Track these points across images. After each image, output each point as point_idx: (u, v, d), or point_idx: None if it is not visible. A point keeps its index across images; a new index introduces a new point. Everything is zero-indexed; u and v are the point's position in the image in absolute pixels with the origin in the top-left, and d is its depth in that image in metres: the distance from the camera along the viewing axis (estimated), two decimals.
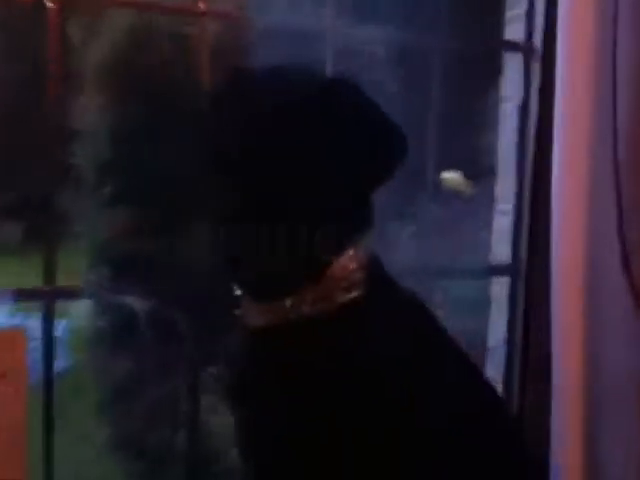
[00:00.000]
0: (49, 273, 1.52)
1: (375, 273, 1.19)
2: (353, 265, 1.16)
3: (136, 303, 2.54)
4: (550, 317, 1.72)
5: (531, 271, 1.93)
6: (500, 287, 2.03)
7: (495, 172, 2.08)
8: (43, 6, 1.46)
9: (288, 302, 1.14)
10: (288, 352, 1.15)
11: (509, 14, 2.01)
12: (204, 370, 1.89)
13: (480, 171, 2.44)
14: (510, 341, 1.98)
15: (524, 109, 1.94)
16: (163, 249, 2.40)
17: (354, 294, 1.15)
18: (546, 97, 1.82)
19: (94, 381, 3.05)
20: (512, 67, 2.02)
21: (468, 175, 2.90)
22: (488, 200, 2.12)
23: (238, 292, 1.20)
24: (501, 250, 2.04)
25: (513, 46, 2.00)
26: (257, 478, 1.19)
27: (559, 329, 1.71)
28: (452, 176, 2.83)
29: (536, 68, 1.89)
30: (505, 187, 2.03)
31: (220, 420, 2.07)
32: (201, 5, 1.60)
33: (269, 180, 1.08)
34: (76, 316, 2.97)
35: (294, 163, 1.09)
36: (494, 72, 2.08)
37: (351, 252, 1.16)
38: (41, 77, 1.50)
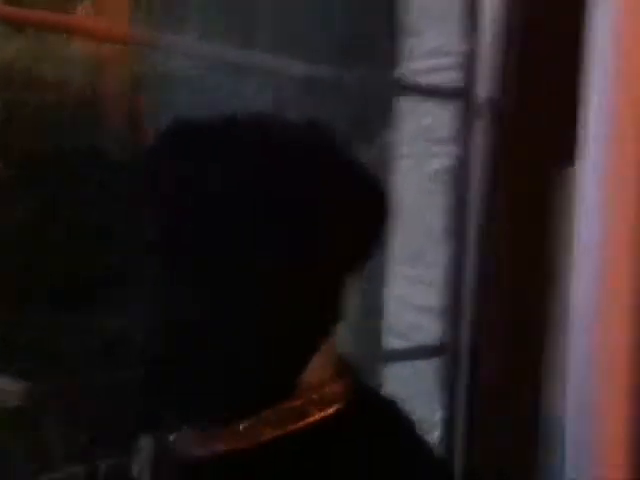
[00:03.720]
0: None
1: (354, 379, 0.90)
2: (327, 371, 0.87)
3: None
4: None
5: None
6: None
7: None
8: None
9: (242, 426, 0.83)
10: None
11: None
12: None
13: None
14: None
15: (459, 167, 1.68)
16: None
17: (332, 409, 0.85)
18: (497, 154, 1.60)
19: None
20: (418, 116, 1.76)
21: None
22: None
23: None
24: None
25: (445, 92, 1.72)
26: None
27: None
28: None
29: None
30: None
31: None
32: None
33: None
34: None
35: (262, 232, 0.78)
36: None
37: (323, 353, 0.87)
38: None
